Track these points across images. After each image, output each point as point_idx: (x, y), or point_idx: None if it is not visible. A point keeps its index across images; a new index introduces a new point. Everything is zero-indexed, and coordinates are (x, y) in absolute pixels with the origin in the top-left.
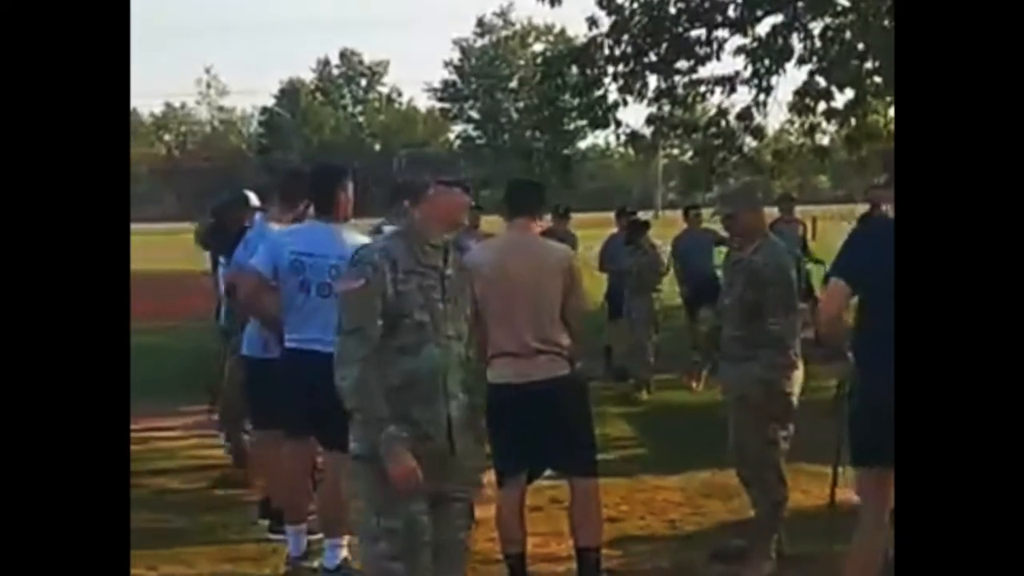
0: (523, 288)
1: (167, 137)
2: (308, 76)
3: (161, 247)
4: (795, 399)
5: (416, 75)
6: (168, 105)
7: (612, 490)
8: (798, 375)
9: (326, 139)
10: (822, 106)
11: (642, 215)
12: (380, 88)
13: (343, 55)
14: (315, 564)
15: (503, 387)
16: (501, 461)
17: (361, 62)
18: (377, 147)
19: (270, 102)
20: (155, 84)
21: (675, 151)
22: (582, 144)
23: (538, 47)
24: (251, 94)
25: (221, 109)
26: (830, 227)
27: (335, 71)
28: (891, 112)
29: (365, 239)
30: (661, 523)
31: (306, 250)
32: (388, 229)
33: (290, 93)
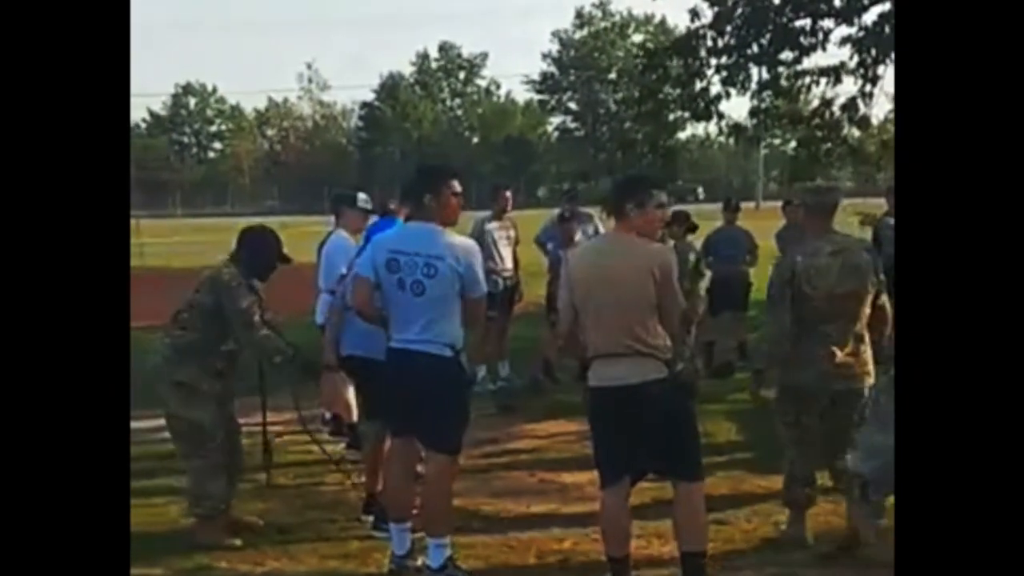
0: (617, 290)
1: (269, 132)
2: (408, 70)
3: None
4: None
5: (515, 67)
6: (270, 100)
7: (718, 488)
8: None
9: (425, 133)
10: None
11: (743, 206)
12: (479, 81)
13: (442, 48)
14: (419, 562)
15: (601, 390)
16: (603, 463)
17: (459, 55)
18: (475, 140)
19: (370, 97)
20: (257, 79)
21: (777, 141)
22: (682, 135)
23: (637, 38)
24: (352, 89)
25: (322, 104)
26: None
27: (434, 64)
28: None
29: (460, 238)
30: (767, 525)
31: (401, 248)
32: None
33: (390, 87)
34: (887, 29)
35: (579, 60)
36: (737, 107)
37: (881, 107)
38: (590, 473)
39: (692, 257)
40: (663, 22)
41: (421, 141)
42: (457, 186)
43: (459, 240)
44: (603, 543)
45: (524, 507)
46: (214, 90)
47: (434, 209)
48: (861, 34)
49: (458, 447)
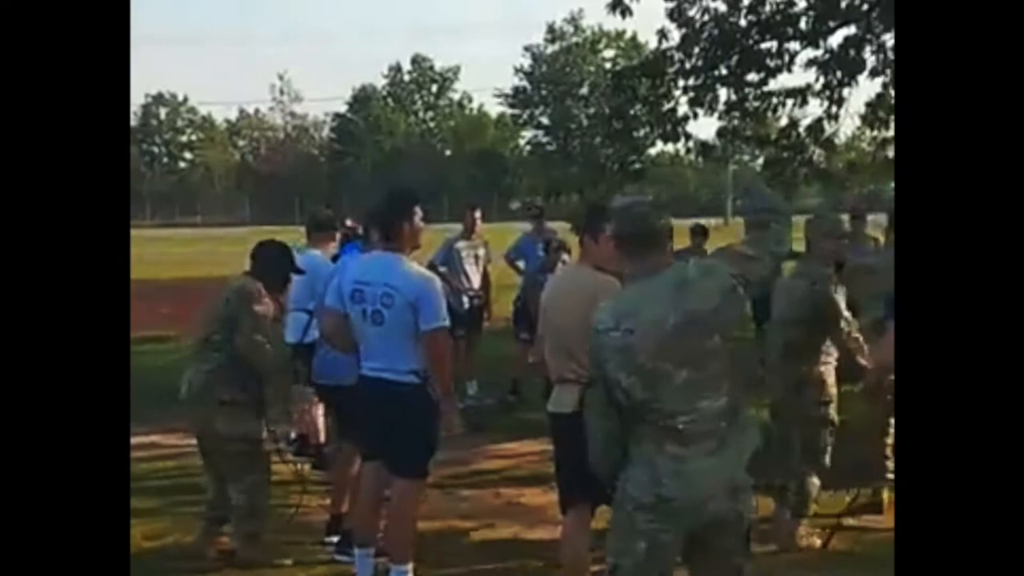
0: (566, 319)
1: (241, 143)
2: (380, 82)
3: (234, 252)
4: None
5: (487, 81)
6: (242, 111)
7: None
8: None
9: (397, 145)
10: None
11: (711, 223)
12: (451, 94)
13: (415, 61)
14: None
15: (560, 416)
16: (563, 488)
17: (432, 68)
18: (448, 153)
19: (343, 108)
20: (229, 90)
21: (746, 157)
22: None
23: (608, 53)
24: (324, 100)
25: (294, 115)
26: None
27: (407, 77)
28: None
29: (416, 268)
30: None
31: (364, 278)
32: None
33: (362, 99)
34: (852, 52)
35: (551, 75)
36: (705, 127)
37: (847, 127)
38: (555, 494)
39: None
40: (634, 38)
41: (393, 153)
42: (419, 212)
43: (416, 271)
44: (562, 567)
45: (489, 529)
46: (185, 100)
47: (397, 237)
48: (827, 56)
49: (424, 473)
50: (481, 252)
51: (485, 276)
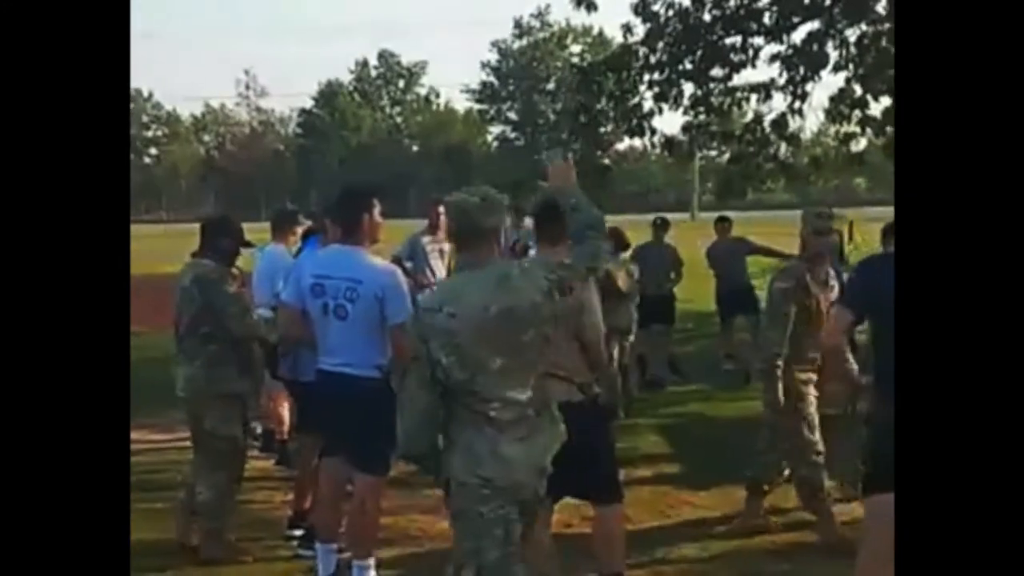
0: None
1: (206, 138)
2: (346, 78)
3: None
4: None
5: (454, 77)
6: (208, 106)
7: (640, 505)
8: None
9: (363, 140)
10: (858, 114)
11: (678, 217)
12: (418, 89)
13: (381, 56)
14: None
15: None
16: None
17: (399, 64)
18: (415, 148)
19: (309, 104)
20: (194, 85)
21: (713, 153)
22: (620, 146)
23: (575, 49)
24: (290, 96)
25: (260, 111)
26: (870, 230)
27: (373, 73)
28: None
29: (380, 262)
30: (689, 540)
31: (325, 272)
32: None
33: (328, 95)
34: (815, 47)
35: (518, 70)
36: (670, 122)
37: (812, 122)
38: None
39: (623, 274)
40: (601, 34)
41: (359, 148)
42: (378, 206)
43: (380, 264)
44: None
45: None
46: (150, 96)
47: (357, 230)
48: (790, 52)
49: (386, 469)
50: (446, 247)
51: (449, 271)
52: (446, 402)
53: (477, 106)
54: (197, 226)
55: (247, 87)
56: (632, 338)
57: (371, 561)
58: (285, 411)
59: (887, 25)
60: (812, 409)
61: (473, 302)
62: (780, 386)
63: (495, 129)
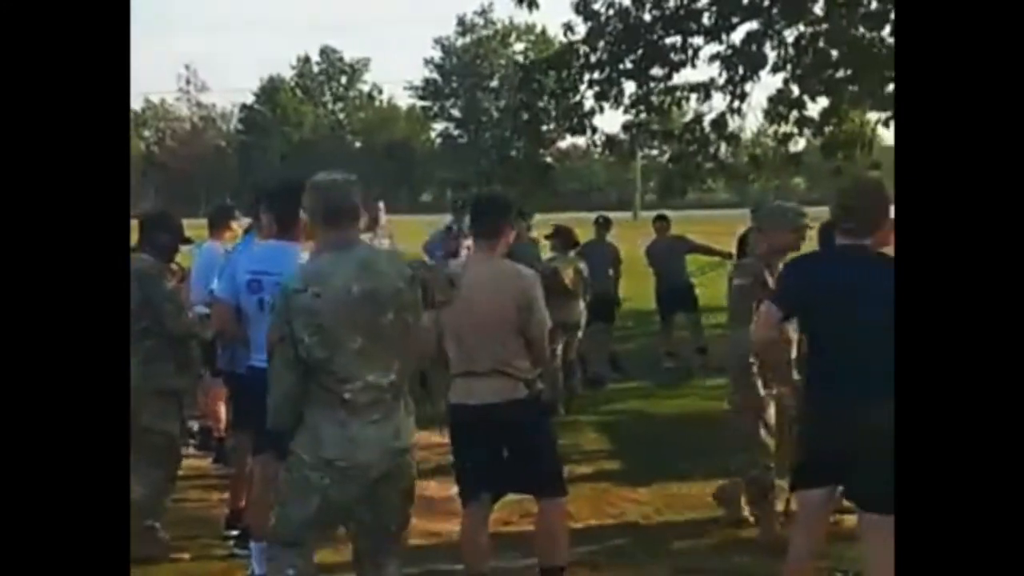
0: (479, 312)
1: (146, 133)
2: (288, 74)
3: None
4: None
5: (397, 74)
6: (148, 101)
7: (581, 501)
8: None
9: (306, 136)
10: (795, 114)
11: (620, 216)
12: (360, 86)
13: (323, 52)
14: None
15: (461, 408)
16: (463, 481)
17: (341, 59)
18: (358, 145)
19: (250, 99)
20: (135, 80)
21: (654, 152)
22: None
23: (519, 47)
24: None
25: (200, 106)
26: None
27: (315, 68)
28: (866, 118)
29: None
30: (629, 537)
31: (262, 268)
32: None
33: (270, 90)
34: (753, 47)
35: (461, 67)
36: (611, 121)
37: (752, 122)
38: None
39: (571, 271)
40: (544, 32)
41: (301, 144)
42: None
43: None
44: (464, 561)
45: None
46: None
47: (293, 226)
48: (729, 52)
49: None
50: (386, 243)
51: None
52: (306, 381)
53: (420, 103)
54: (136, 222)
55: (188, 82)
56: (580, 335)
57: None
58: (222, 409)
59: (824, 26)
60: (772, 411)
61: (337, 283)
62: (759, 383)
63: (438, 126)
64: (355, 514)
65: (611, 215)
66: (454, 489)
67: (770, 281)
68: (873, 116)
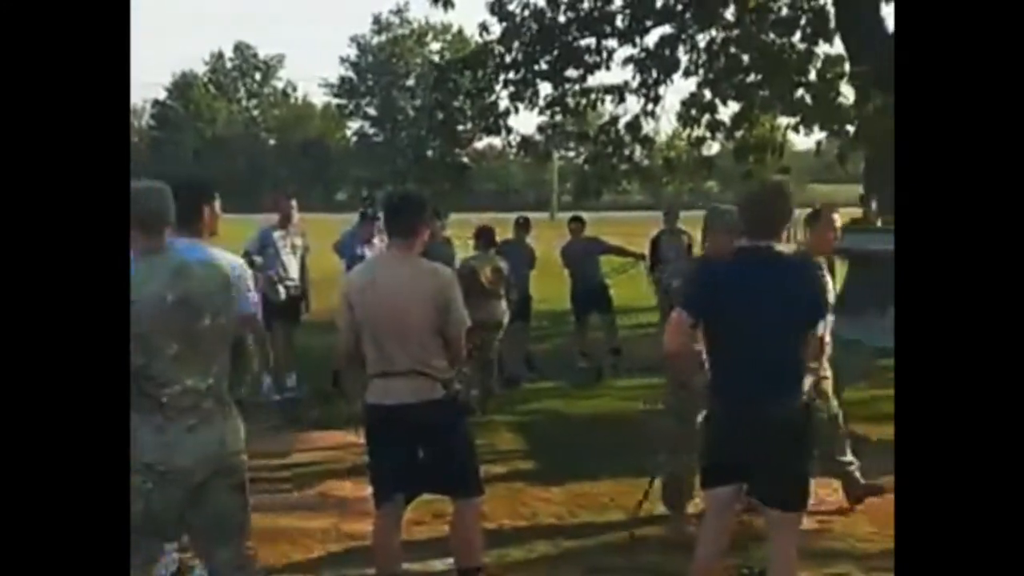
0: (396, 311)
1: None
2: (201, 69)
3: None
4: None
5: (312, 71)
6: None
7: (495, 501)
8: None
9: (219, 133)
10: (708, 118)
11: (538, 217)
12: (275, 82)
13: (237, 48)
14: None
15: (377, 408)
16: (377, 481)
17: (255, 56)
18: (272, 142)
19: (162, 95)
20: None
21: (571, 154)
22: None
23: (435, 46)
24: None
25: None
26: None
27: (229, 65)
28: (777, 123)
29: (222, 254)
30: (541, 537)
31: None
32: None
33: (182, 86)
34: (667, 51)
35: (377, 66)
36: (527, 122)
37: (667, 125)
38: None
39: (489, 270)
40: (460, 32)
41: (215, 141)
42: (218, 198)
43: (224, 256)
44: (376, 563)
45: (302, 521)
46: None
47: (196, 223)
48: (643, 55)
49: None
50: (298, 242)
51: (303, 266)
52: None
53: (335, 101)
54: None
55: None
56: (501, 334)
57: None
58: None
59: (736, 32)
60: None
61: (152, 291)
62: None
63: (354, 124)
64: (185, 518)
65: (528, 216)
66: (368, 490)
67: None
68: (783, 121)
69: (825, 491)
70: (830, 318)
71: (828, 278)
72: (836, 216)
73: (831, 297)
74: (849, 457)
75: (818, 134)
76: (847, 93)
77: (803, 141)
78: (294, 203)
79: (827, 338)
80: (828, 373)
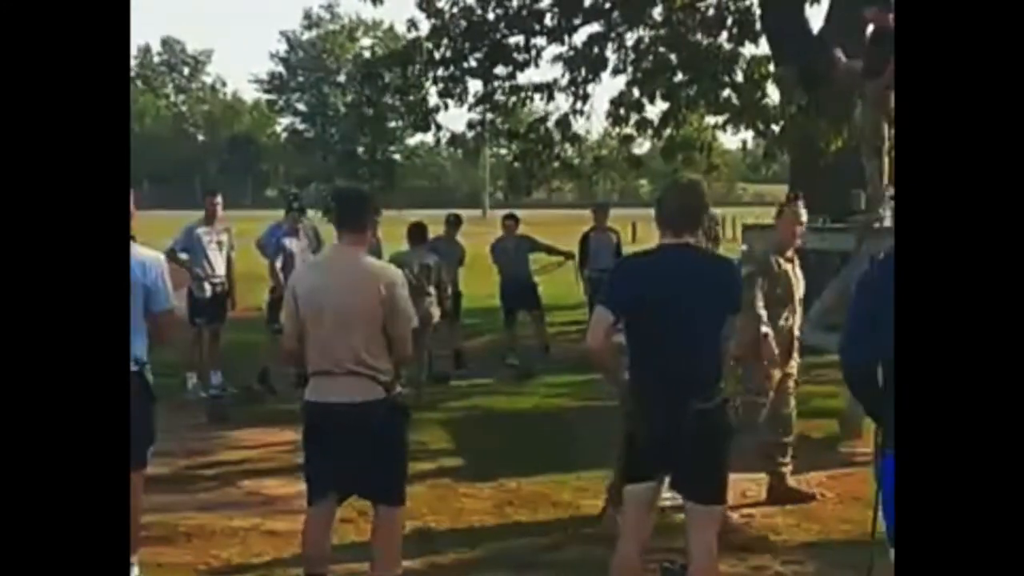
0: (341, 307)
1: None
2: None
3: None
4: None
5: (241, 66)
6: None
7: (422, 499)
8: None
9: (147, 128)
10: (636, 117)
11: (470, 214)
12: (204, 78)
13: (165, 43)
14: None
15: (315, 405)
16: (311, 479)
17: (184, 51)
18: (201, 138)
19: None
20: None
21: (503, 151)
22: (410, 141)
23: (366, 42)
24: None
25: None
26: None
27: (156, 59)
28: (704, 122)
29: (145, 250)
30: (470, 534)
31: None
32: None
33: None
34: (595, 49)
35: (308, 62)
36: (458, 119)
37: (597, 124)
38: (299, 486)
39: (416, 266)
40: (392, 28)
41: (142, 137)
42: (134, 194)
43: (144, 252)
44: (303, 559)
45: (226, 520)
46: None
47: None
48: (571, 53)
49: (144, 463)
50: (224, 239)
51: (229, 263)
52: None
53: (265, 96)
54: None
55: None
56: (430, 331)
57: (135, 558)
58: None
59: (663, 31)
60: None
61: None
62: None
63: (284, 120)
64: None
65: (460, 212)
66: (293, 488)
67: None
68: (711, 120)
69: (746, 485)
70: (799, 313)
71: (740, 273)
72: (802, 211)
73: (800, 292)
74: (788, 459)
75: (744, 133)
76: (772, 93)
77: (731, 140)
78: (219, 200)
79: (796, 332)
80: (794, 370)
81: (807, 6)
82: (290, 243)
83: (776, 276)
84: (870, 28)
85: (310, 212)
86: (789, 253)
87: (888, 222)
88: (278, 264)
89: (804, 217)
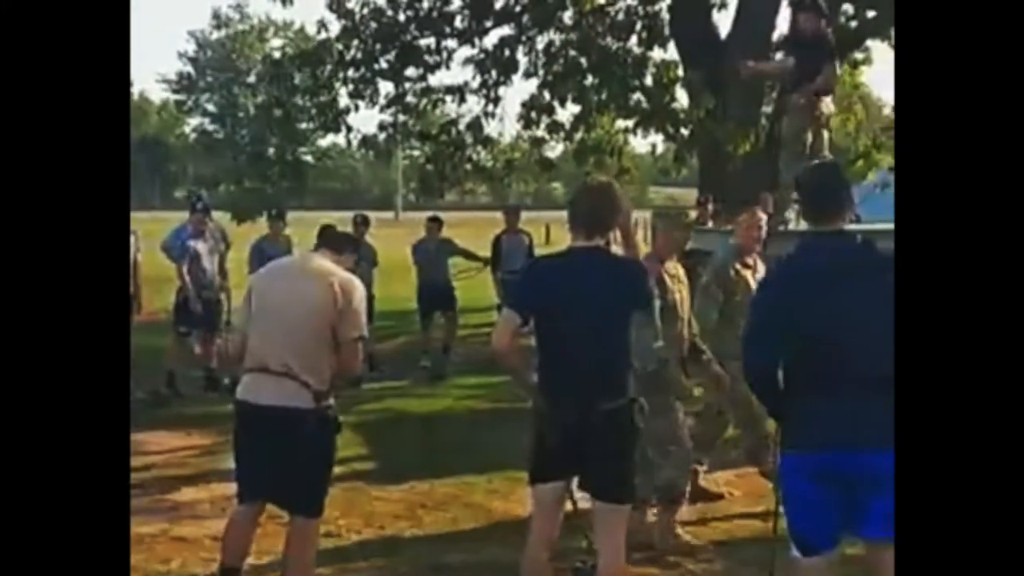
0: (282, 312)
1: None
2: None
3: None
4: None
5: (148, 66)
6: None
7: (333, 503)
8: None
9: None
10: (548, 119)
11: (382, 216)
12: None
13: None
14: None
15: (245, 404)
16: (240, 477)
17: None
18: None
19: None
20: None
21: (416, 153)
22: (322, 142)
23: (276, 42)
24: None
25: None
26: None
27: None
28: (615, 126)
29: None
30: (379, 537)
31: None
32: None
33: None
34: (506, 52)
35: (217, 62)
36: (369, 120)
37: (508, 128)
38: (208, 491)
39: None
40: (302, 29)
41: None
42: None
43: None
44: (221, 551)
45: (133, 526)
46: None
47: None
48: (482, 56)
49: None
50: (131, 240)
51: (135, 266)
52: None
53: (174, 97)
54: None
55: None
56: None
57: None
58: None
59: (574, 34)
60: None
61: None
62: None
63: (192, 121)
64: None
65: (372, 214)
66: (200, 493)
67: (668, 281)
68: (621, 123)
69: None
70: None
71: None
72: (762, 215)
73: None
74: (704, 464)
75: (655, 137)
76: (681, 97)
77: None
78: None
79: None
80: None
81: (715, 12)
82: (195, 245)
83: (735, 283)
84: (801, 33)
85: (217, 214)
86: (749, 260)
87: (792, 225)
88: (184, 267)
89: (764, 222)
